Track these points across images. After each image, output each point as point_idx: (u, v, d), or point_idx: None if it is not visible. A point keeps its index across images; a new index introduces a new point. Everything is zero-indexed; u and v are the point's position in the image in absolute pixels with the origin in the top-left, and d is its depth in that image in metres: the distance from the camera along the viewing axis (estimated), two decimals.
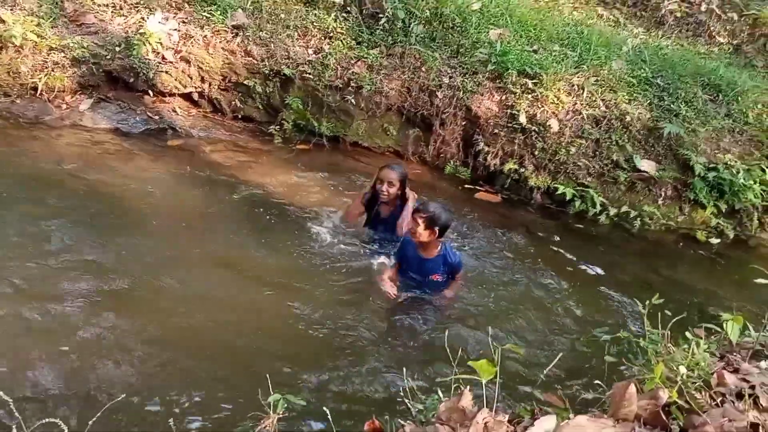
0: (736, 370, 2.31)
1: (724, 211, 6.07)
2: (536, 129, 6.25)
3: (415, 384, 2.28)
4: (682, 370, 2.14)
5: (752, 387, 2.13)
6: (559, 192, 6.14)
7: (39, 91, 6.25)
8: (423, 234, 4.01)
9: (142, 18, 6.63)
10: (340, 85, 6.58)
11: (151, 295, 3.93)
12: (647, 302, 2.44)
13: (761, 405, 2.04)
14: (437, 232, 4.00)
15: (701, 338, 2.29)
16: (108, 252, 4.30)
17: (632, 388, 1.93)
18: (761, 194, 6.00)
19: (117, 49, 6.45)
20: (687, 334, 2.45)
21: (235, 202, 5.39)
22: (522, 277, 4.81)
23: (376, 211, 4.89)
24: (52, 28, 6.38)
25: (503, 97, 6.42)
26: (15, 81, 6.23)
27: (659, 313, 2.50)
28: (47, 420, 1.86)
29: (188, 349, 3.55)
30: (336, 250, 4.78)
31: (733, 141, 6.33)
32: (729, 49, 8.46)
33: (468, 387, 1.97)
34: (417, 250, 4.21)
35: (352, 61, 6.64)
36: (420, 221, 3.98)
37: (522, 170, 6.32)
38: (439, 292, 4.27)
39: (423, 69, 6.61)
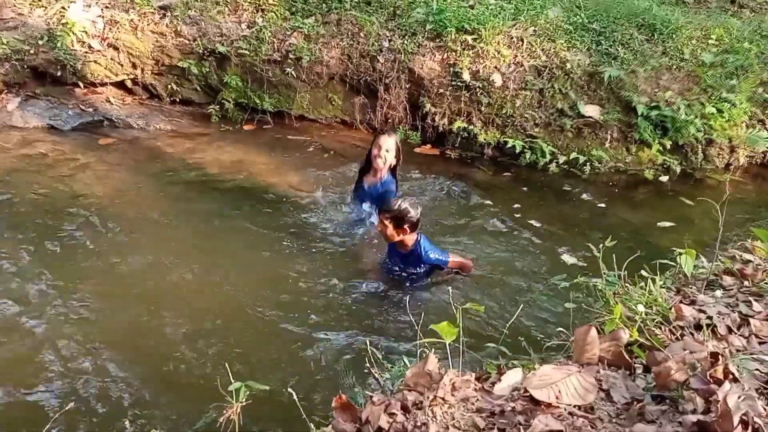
0: (692, 302, 2.35)
1: (669, 147, 6.18)
2: (480, 85, 6.22)
3: (381, 354, 2.25)
4: (641, 308, 2.16)
5: (709, 317, 2.17)
6: (509, 145, 6.16)
7: None
8: (394, 234, 3.93)
9: (63, 7, 6.33)
10: (279, 59, 6.41)
11: (99, 295, 3.83)
12: (600, 245, 2.46)
13: (719, 333, 2.08)
14: (407, 229, 3.91)
15: (656, 276, 2.31)
16: (56, 256, 4.16)
17: (593, 332, 1.93)
18: (703, 128, 6.12)
19: (40, 42, 6.15)
20: (643, 272, 2.48)
21: (182, 190, 5.24)
22: (476, 235, 4.82)
23: (360, 181, 4.74)
24: None
25: (445, 56, 6.36)
26: None
27: (614, 255, 2.52)
28: None
29: (143, 345, 3.48)
30: (299, 227, 4.73)
31: (671, 78, 6.42)
32: None
33: (432, 350, 1.95)
34: (395, 245, 4.11)
35: (288, 33, 6.47)
36: (387, 222, 3.89)
37: (471, 128, 6.30)
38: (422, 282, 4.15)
39: (361, 34, 6.48)
